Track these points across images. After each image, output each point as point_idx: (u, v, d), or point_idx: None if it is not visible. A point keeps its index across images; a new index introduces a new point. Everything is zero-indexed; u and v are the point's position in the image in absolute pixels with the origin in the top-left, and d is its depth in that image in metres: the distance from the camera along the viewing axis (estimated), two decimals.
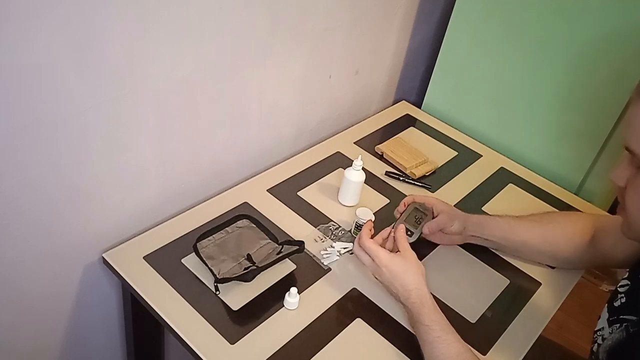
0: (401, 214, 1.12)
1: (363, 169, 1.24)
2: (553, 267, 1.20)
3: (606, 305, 0.90)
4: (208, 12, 1.01)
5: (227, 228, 1.13)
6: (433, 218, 1.12)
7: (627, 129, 0.79)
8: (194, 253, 1.07)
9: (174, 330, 0.96)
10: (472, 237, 1.17)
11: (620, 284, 0.90)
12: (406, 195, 1.32)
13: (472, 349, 0.94)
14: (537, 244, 1.15)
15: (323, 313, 1.03)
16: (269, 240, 1.13)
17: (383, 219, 1.24)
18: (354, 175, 1.24)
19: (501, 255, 1.21)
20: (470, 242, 1.18)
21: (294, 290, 1.01)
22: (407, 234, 1.06)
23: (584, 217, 1.19)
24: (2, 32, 0.75)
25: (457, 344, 0.91)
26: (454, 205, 1.22)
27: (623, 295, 0.87)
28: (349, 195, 1.27)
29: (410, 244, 1.03)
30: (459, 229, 1.13)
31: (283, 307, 1.02)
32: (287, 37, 1.22)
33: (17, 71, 0.80)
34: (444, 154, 1.51)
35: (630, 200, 0.81)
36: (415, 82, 1.80)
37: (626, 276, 0.90)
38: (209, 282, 1.04)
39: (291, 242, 1.12)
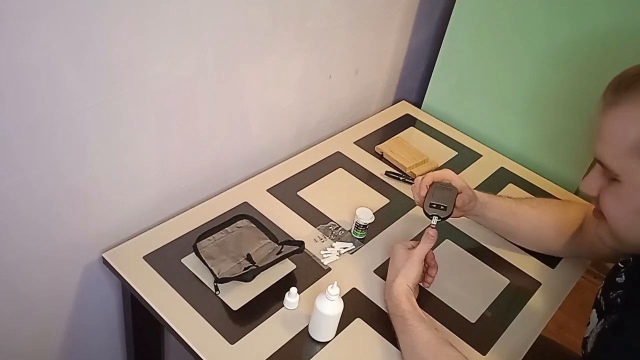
0: (424, 197, 1.07)
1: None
2: (552, 268, 1.20)
3: (594, 309, 0.91)
4: (208, 12, 1.01)
5: (227, 228, 1.13)
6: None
7: (598, 141, 0.80)
8: (194, 253, 1.07)
9: (174, 330, 0.96)
10: (472, 214, 1.16)
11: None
12: (406, 195, 1.32)
13: (452, 342, 0.94)
14: (529, 231, 1.17)
15: None
16: (269, 240, 1.13)
17: (383, 219, 1.24)
18: (328, 307, 0.94)
19: (501, 255, 1.21)
20: (467, 216, 1.17)
21: (293, 290, 1.01)
22: (440, 209, 1.04)
23: (576, 207, 1.19)
24: (1, 31, 0.75)
25: (427, 332, 0.92)
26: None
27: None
28: (322, 330, 0.98)
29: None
30: (474, 205, 1.13)
31: (283, 307, 1.02)
32: (287, 37, 1.22)
33: (16, 71, 0.80)
34: (444, 154, 1.50)
35: (609, 210, 0.82)
36: (415, 82, 1.80)
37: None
38: (209, 282, 1.04)
39: (291, 242, 1.12)
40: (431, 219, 1.04)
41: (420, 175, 1.10)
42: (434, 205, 1.04)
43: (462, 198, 1.08)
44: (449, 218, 1.05)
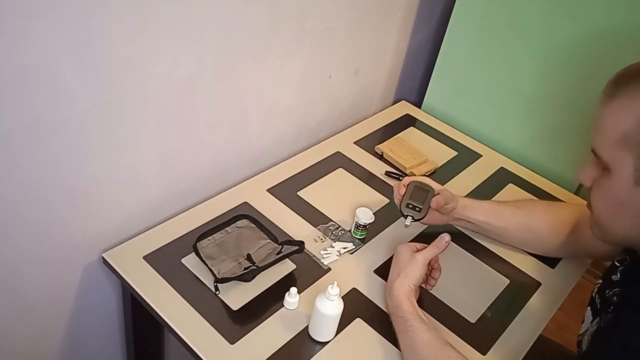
0: (402, 196, 1.11)
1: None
2: (552, 268, 1.20)
3: (589, 307, 0.91)
4: (208, 12, 1.01)
5: (227, 228, 1.13)
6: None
7: (594, 132, 0.80)
8: (194, 253, 1.07)
9: (174, 330, 0.96)
10: (457, 220, 1.18)
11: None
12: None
13: (451, 342, 0.94)
14: (519, 232, 1.17)
15: None
16: (269, 240, 1.13)
17: (383, 219, 1.24)
18: (328, 307, 0.95)
19: (501, 255, 1.21)
20: (454, 224, 1.19)
21: (293, 290, 1.01)
22: (415, 210, 1.08)
23: (567, 207, 1.20)
24: (1, 32, 0.75)
25: (428, 332, 0.92)
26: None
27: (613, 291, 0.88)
28: (322, 330, 0.98)
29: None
30: (454, 208, 1.14)
31: (283, 307, 1.02)
32: (287, 37, 1.22)
33: (17, 71, 0.80)
34: (444, 154, 1.50)
35: (595, 200, 0.83)
36: (415, 82, 1.80)
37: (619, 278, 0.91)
38: (209, 282, 1.04)
39: (291, 242, 1.12)
40: (406, 218, 1.09)
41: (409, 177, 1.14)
42: (410, 206, 1.09)
43: (437, 200, 1.10)
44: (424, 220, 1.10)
